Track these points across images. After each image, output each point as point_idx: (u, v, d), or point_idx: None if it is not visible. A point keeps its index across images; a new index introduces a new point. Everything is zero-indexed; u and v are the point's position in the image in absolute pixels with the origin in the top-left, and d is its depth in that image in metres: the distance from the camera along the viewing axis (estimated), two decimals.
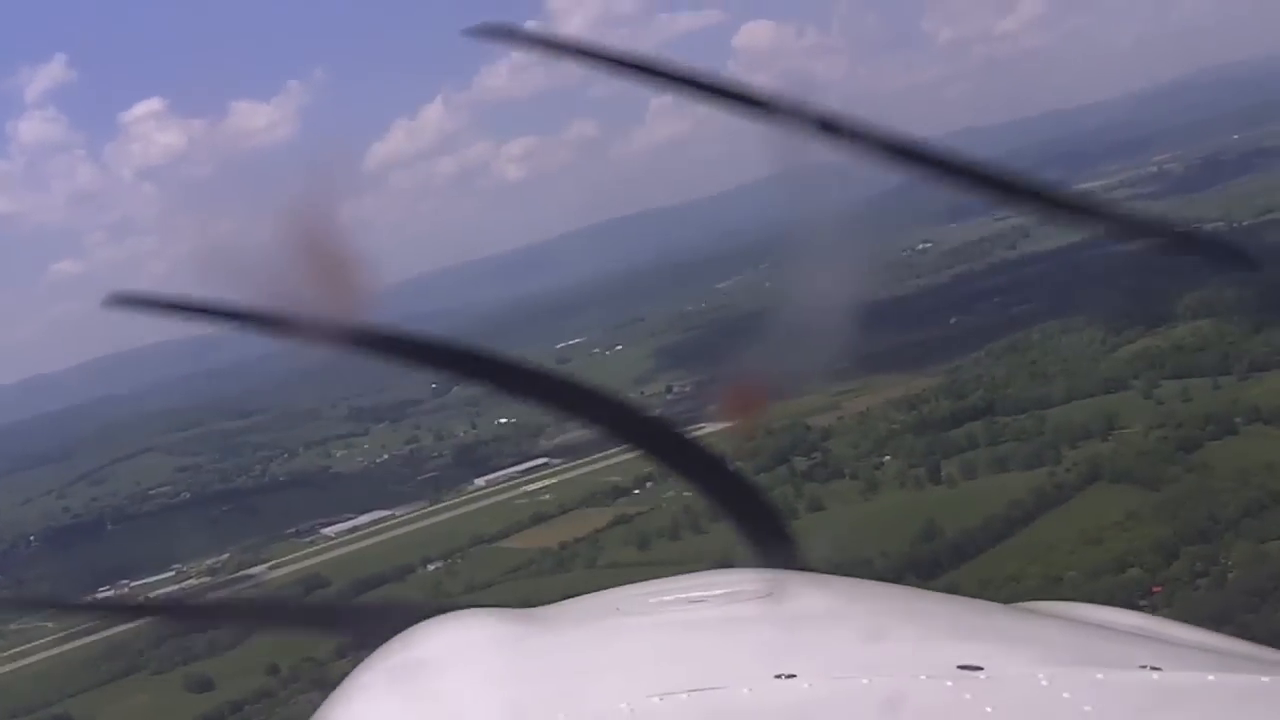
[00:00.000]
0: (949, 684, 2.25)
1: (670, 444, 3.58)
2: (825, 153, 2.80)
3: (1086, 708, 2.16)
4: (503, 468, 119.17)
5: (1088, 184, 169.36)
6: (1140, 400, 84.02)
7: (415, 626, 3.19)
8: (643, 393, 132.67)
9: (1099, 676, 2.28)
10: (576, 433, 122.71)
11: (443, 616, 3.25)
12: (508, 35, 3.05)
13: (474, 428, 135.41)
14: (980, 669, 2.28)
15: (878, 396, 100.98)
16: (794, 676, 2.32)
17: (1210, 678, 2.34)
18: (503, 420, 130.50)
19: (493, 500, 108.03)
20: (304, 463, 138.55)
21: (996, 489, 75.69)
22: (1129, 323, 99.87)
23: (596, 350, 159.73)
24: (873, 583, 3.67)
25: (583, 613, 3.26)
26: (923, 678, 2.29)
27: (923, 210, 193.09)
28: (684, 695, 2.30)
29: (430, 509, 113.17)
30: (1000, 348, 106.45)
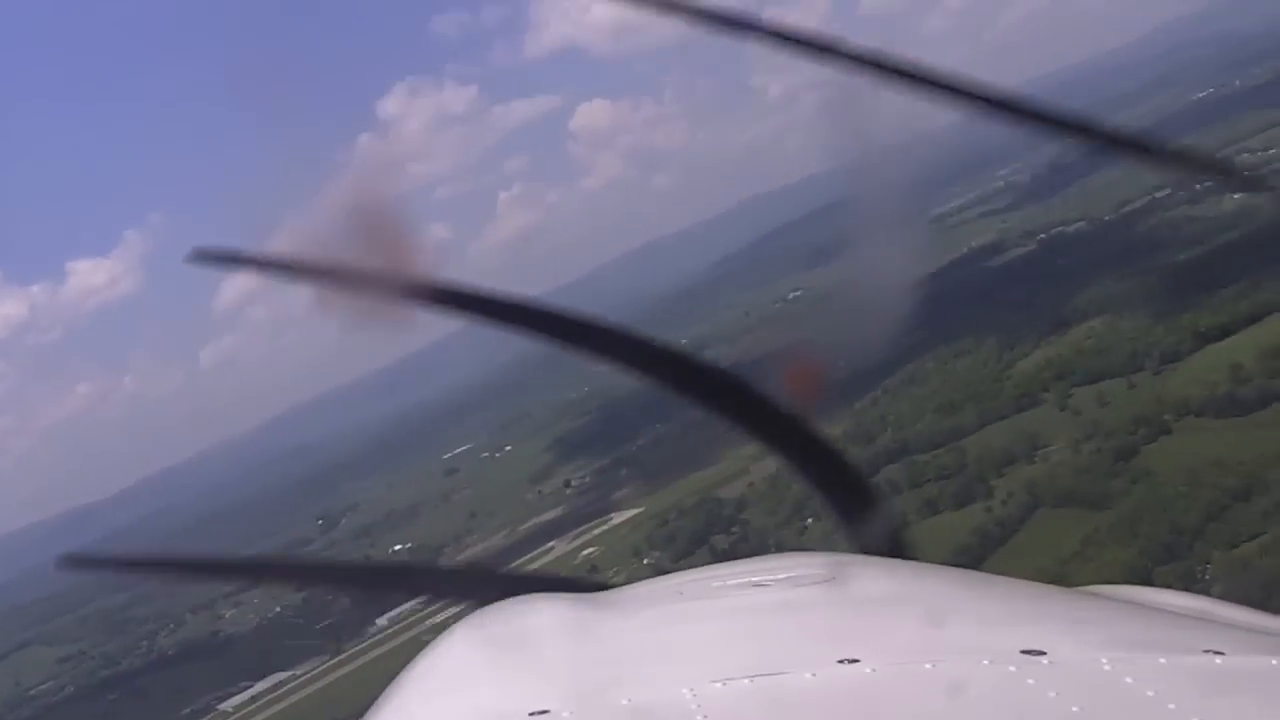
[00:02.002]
0: (1012, 669, 2.28)
1: (758, 411, 3.64)
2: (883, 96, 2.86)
3: (1149, 692, 2.18)
4: (404, 601, 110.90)
5: (940, 209, 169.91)
6: (1056, 413, 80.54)
7: (480, 611, 3.25)
8: (540, 492, 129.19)
9: (1161, 661, 2.30)
10: (482, 545, 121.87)
11: (507, 601, 3.28)
12: (230, 260, 3.27)
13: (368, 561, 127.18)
14: (1044, 653, 2.31)
15: None
16: (857, 661, 2.34)
17: (1274, 662, 2.32)
18: (397, 547, 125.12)
19: (400, 640, 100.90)
20: (192, 630, 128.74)
21: (933, 535, 70.67)
22: (1020, 335, 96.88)
23: (486, 454, 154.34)
24: (935, 566, 3.70)
25: (646, 597, 3.29)
26: (986, 663, 2.31)
27: (787, 258, 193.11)
28: (746, 680, 2.32)
29: (334, 662, 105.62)
30: (897, 383, 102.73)
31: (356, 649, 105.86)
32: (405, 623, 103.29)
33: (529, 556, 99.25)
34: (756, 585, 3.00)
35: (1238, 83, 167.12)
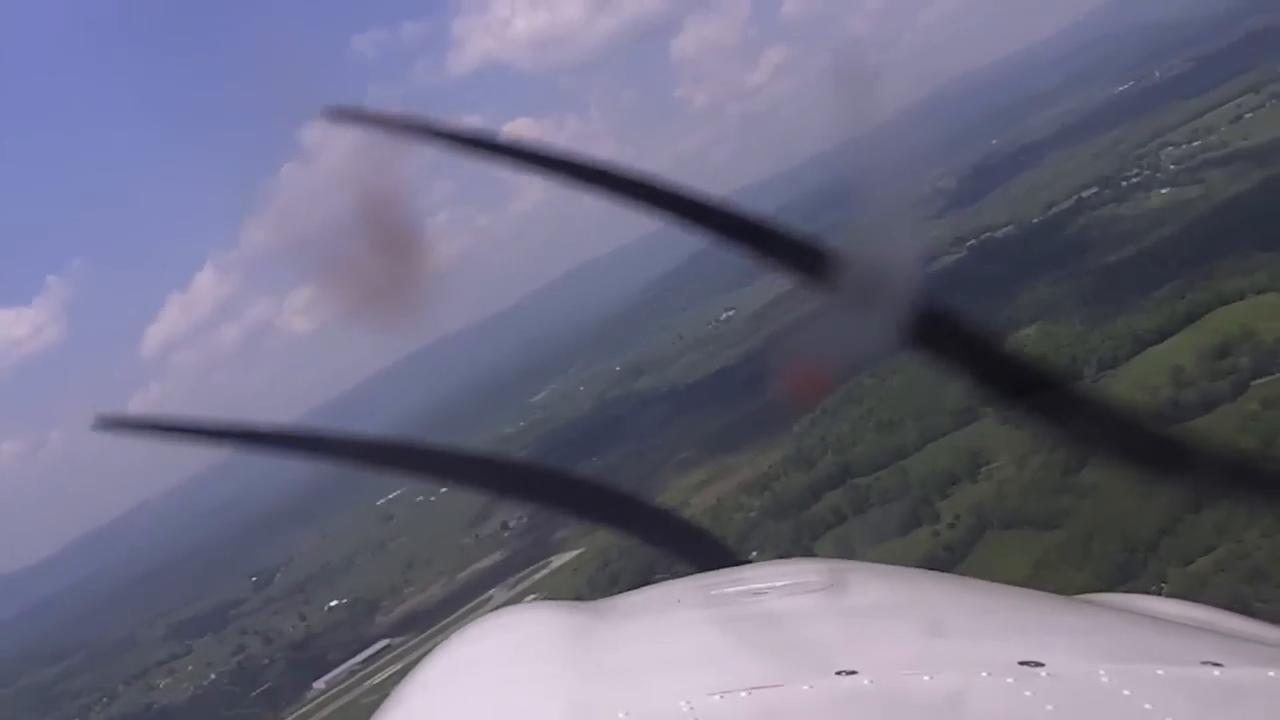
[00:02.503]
0: (1010, 681, 2.30)
1: (610, 503, 3.75)
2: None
3: (1147, 705, 2.20)
4: (342, 661, 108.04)
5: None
6: (997, 428, 77.79)
7: (474, 622, 3.33)
8: (477, 536, 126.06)
9: (1159, 673, 2.32)
10: (421, 596, 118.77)
11: (502, 610, 3.40)
12: (356, 117, 3.13)
13: (304, 619, 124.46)
14: (1041, 665, 2.33)
15: (727, 482, 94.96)
16: (854, 673, 2.36)
17: (1271, 674, 2.35)
18: (333, 604, 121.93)
19: (338, 704, 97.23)
20: (126, 704, 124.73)
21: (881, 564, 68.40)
22: None
23: (420, 497, 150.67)
24: (934, 574, 3.70)
25: (644, 606, 3.32)
26: (984, 675, 2.33)
27: (716, 278, 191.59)
28: (744, 693, 2.34)
29: None
30: (835, 402, 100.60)
31: (293, 716, 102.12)
32: (342, 686, 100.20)
33: (468, 608, 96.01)
34: (755, 594, 2.99)
35: (1158, 74, 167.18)
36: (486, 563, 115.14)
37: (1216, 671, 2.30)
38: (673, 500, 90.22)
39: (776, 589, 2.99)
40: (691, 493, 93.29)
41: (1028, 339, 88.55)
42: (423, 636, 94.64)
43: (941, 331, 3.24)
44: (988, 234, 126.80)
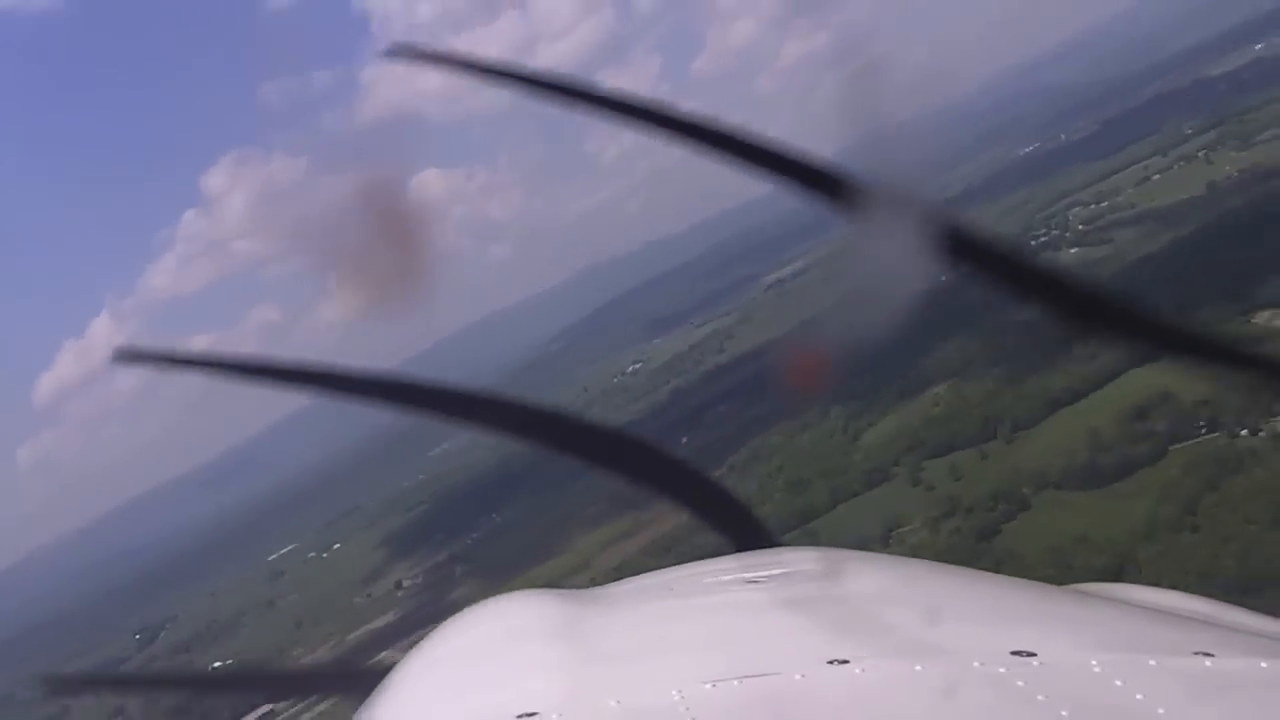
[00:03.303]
0: (1002, 670, 2.32)
1: (640, 458, 3.73)
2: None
3: (1139, 695, 2.21)
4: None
5: (776, 275, 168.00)
6: (909, 489, 75.87)
7: (466, 610, 3.32)
8: (369, 595, 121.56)
9: (1151, 663, 2.33)
10: (309, 658, 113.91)
11: (493, 599, 3.37)
12: (424, 56, 3.10)
13: None
14: (1034, 655, 2.35)
15: (632, 541, 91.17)
16: (846, 662, 2.38)
17: (1263, 664, 2.36)
18: (217, 664, 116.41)
19: None
20: None
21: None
22: (866, 403, 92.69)
23: (313, 554, 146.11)
24: (928, 563, 3.69)
25: (636, 594, 3.35)
26: (976, 664, 2.35)
27: (623, 331, 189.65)
28: (735, 682, 2.36)
29: None
30: (743, 460, 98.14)
31: None
32: None
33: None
34: (748, 582, 3.00)
35: (1063, 136, 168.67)
36: (379, 623, 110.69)
37: (1209, 662, 2.32)
38: (574, 562, 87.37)
39: (770, 577, 2.97)
40: (595, 552, 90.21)
41: (939, 397, 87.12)
42: (307, 704, 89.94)
43: (973, 248, 3.14)
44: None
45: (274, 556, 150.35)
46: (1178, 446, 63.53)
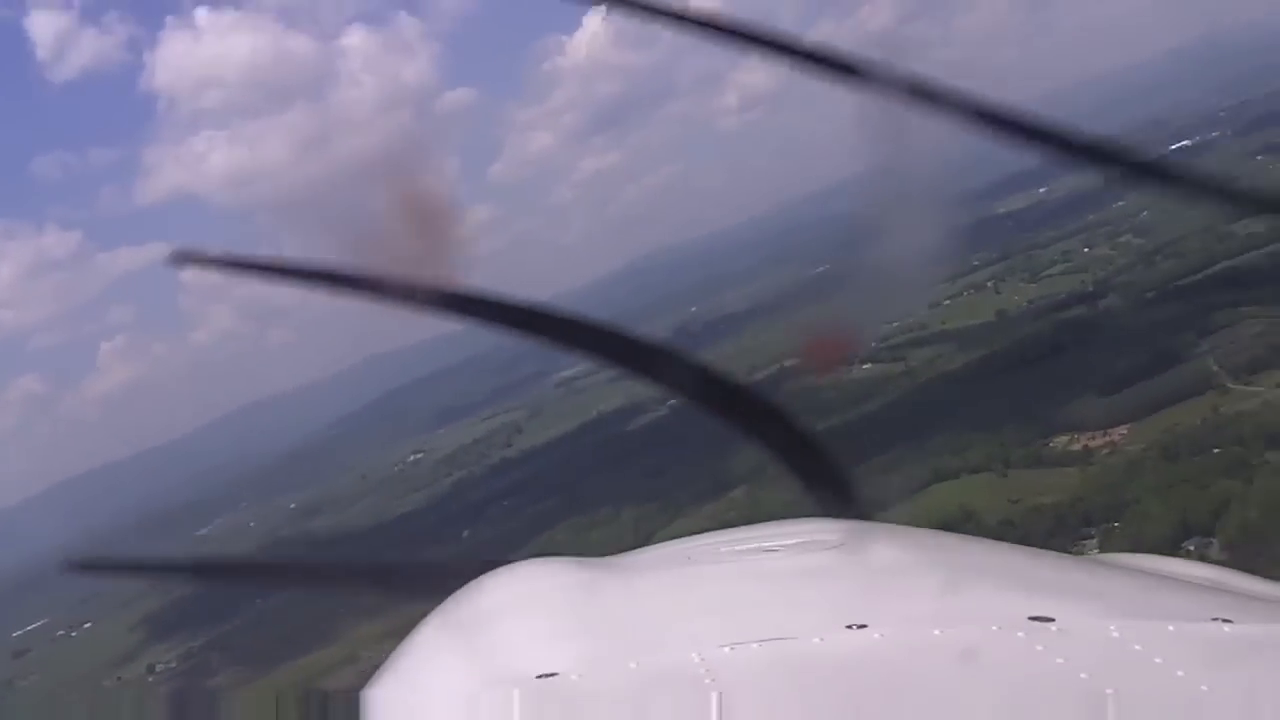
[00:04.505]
0: (1020, 635, 2.32)
1: (732, 397, 3.68)
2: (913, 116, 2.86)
3: (1157, 660, 2.21)
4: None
5: (565, 373, 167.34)
6: None
7: (483, 576, 3.31)
8: (119, 678, 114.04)
9: (1170, 629, 2.33)
10: None
11: (511, 566, 3.40)
12: (210, 261, 3.20)
13: None
14: (1052, 620, 2.34)
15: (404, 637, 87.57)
16: (865, 627, 2.37)
17: None
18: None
19: None
20: None
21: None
22: (660, 505, 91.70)
23: (61, 632, 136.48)
24: (944, 533, 3.82)
25: (654, 561, 3.39)
26: (994, 629, 2.35)
27: (405, 419, 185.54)
28: (755, 645, 2.35)
29: None
30: (527, 556, 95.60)
31: None
32: None
33: None
34: (767, 550, 3.01)
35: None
36: None
37: (1226, 627, 2.31)
38: (341, 654, 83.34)
39: (789, 546, 2.98)
40: (372, 644, 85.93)
41: (734, 502, 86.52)
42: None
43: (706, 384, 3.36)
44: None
45: (19, 633, 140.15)
46: None
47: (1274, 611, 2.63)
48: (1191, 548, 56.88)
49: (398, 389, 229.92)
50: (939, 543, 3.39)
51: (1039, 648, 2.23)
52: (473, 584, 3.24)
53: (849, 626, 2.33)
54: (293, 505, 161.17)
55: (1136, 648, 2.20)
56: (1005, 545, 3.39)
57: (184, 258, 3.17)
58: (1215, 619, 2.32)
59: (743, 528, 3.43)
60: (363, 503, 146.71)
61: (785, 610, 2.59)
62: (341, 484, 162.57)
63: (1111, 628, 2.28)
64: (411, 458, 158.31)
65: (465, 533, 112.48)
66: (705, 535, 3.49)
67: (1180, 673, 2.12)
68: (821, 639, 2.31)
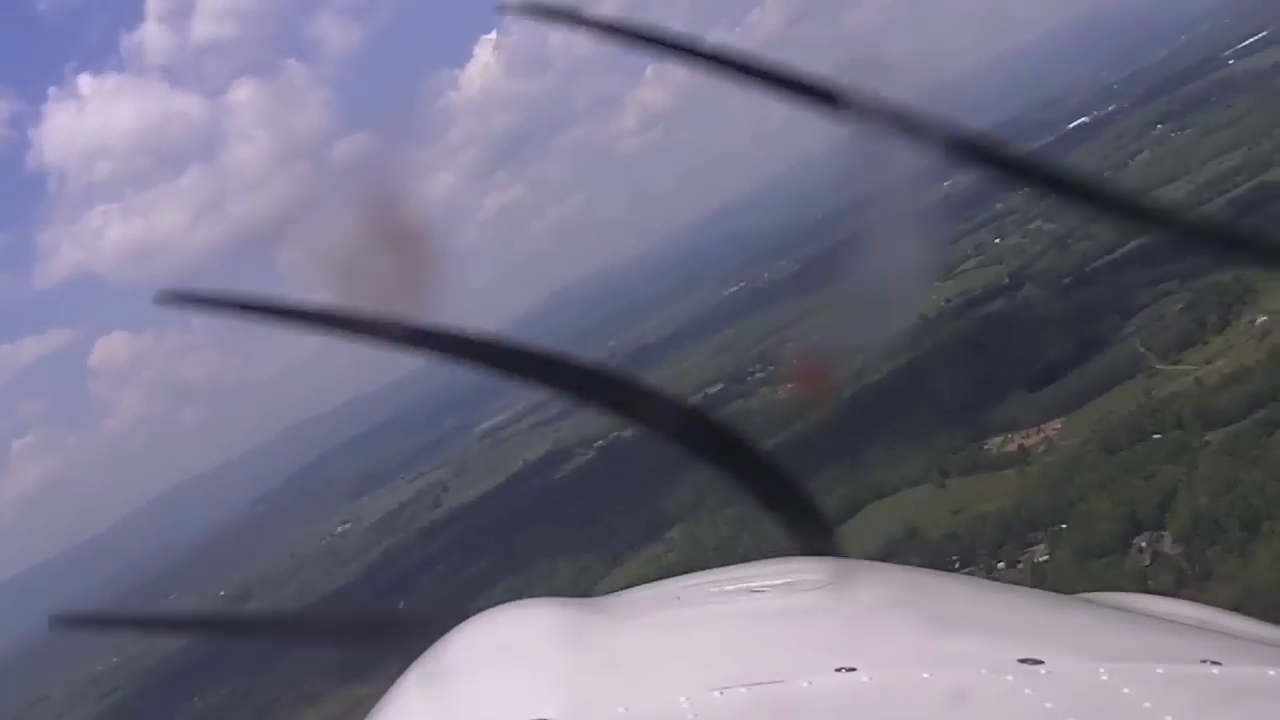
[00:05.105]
0: (1009, 678, 2.32)
1: (704, 433, 3.48)
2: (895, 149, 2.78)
3: (1146, 704, 2.22)
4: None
5: (488, 424, 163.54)
6: None
7: (467, 620, 3.26)
8: None
9: (1159, 671, 2.33)
10: None
11: (495, 609, 3.31)
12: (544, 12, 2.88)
13: None
14: (1041, 663, 2.34)
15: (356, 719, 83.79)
16: (854, 670, 2.38)
17: (1271, 672, 2.37)
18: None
19: None
20: None
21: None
22: (597, 555, 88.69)
23: None
24: (934, 572, 3.73)
25: (641, 603, 3.32)
26: (983, 672, 2.36)
27: (330, 490, 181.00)
28: (743, 689, 2.36)
29: None
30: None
31: None
32: None
33: None
34: (755, 591, 2.98)
35: (766, 275, 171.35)
36: None
37: (1216, 670, 2.32)
38: (331, 714, 79.90)
39: (776, 586, 2.97)
40: (354, 704, 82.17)
41: (672, 541, 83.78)
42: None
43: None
44: (615, 434, 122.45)
45: None
46: None
47: (1262, 653, 2.51)
48: (1144, 544, 55.23)
49: (317, 459, 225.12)
50: (926, 581, 3.27)
51: (1028, 691, 2.23)
52: (454, 631, 3.07)
53: (838, 669, 2.32)
54: (222, 593, 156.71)
55: (1126, 691, 2.21)
56: (992, 584, 3.32)
57: (172, 298, 3.01)
58: (1204, 661, 2.32)
59: (730, 568, 3.27)
60: (294, 581, 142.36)
61: (773, 653, 2.54)
62: (270, 564, 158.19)
63: (1101, 670, 2.27)
64: (339, 529, 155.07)
65: (401, 603, 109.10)
66: (692, 575, 3.30)
67: (1169, 717, 2.14)
68: (810, 682, 2.31)
